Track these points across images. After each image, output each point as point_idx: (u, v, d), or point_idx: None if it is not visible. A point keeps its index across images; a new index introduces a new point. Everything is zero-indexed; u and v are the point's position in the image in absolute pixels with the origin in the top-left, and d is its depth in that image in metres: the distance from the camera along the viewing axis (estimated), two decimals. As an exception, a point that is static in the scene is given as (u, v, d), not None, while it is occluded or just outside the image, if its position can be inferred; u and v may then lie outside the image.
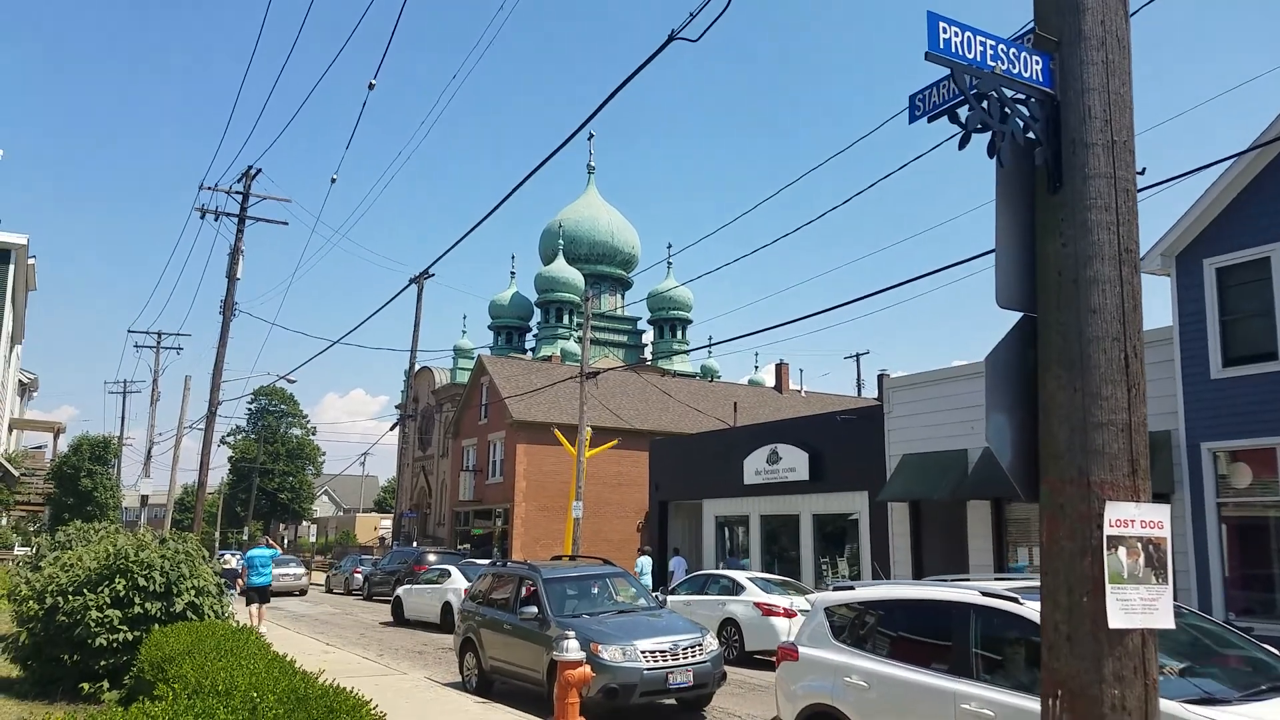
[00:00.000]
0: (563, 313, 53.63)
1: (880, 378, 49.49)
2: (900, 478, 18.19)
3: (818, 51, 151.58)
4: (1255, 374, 12.53)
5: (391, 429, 47.90)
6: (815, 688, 6.47)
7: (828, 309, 29.38)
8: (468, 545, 40.19)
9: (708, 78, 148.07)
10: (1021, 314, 3.60)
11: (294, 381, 41.40)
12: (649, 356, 55.63)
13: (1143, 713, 3.18)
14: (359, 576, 33.51)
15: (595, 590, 11.41)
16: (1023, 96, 3.52)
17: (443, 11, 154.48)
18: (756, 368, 59.63)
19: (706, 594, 15.74)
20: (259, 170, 24.90)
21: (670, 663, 9.54)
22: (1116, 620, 3.17)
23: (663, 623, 10.40)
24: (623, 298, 58.56)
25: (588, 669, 7.89)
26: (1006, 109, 3.44)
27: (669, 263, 54.50)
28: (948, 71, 3.86)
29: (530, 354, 53.53)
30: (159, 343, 41.67)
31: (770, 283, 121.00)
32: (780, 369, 47.85)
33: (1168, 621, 3.25)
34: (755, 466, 22.71)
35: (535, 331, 55.47)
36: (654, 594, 12.28)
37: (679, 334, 57.21)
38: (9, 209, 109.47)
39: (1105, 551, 3.20)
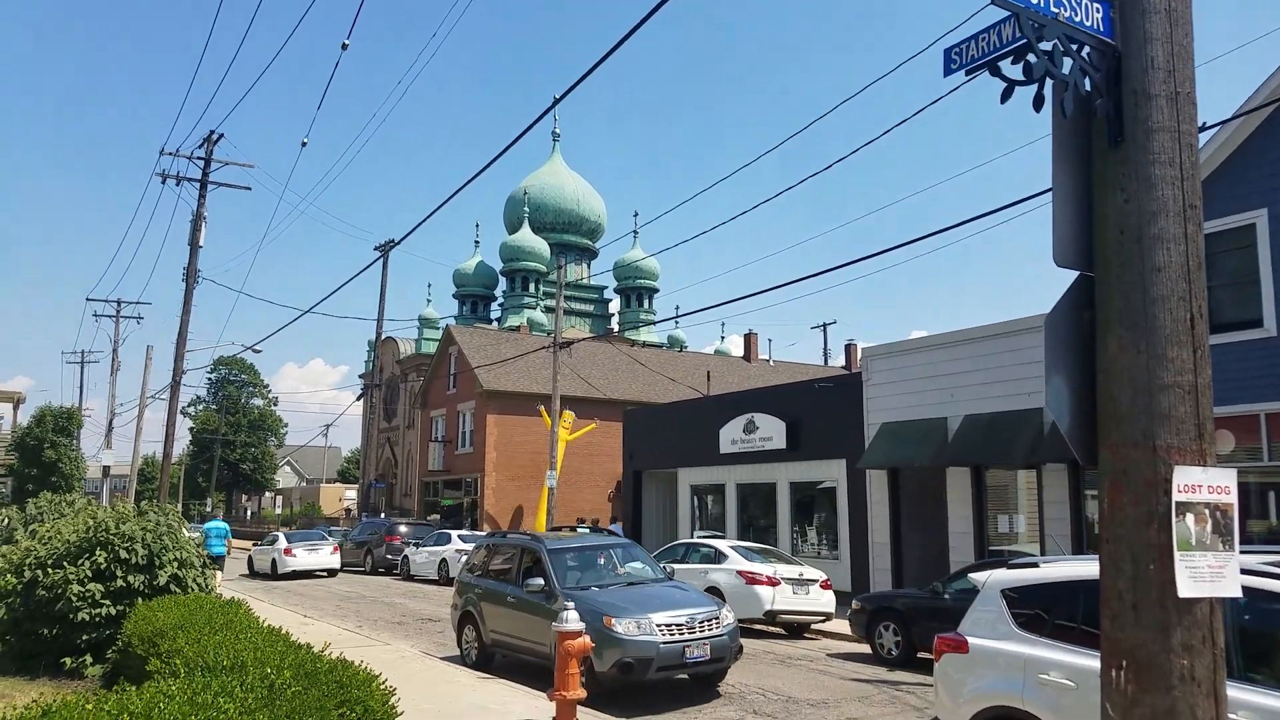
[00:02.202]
0: (528, 282, 53.08)
1: (848, 347, 49.95)
2: (879, 445, 18.27)
3: (792, 18, 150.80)
4: (1239, 341, 12.66)
5: (357, 399, 47.22)
6: (997, 687, 5.54)
7: (796, 280, 29.22)
8: (437, 515, 39.97)
9: (676, 45, 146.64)
10: (1078, 273, 3.47)
11: (259, 351, 40.62)
12: (616, 326, 55.42)
13: (1211, 683, 3.11)
14: (328, 548, 33.10)
15: (602, 561, 11.06)
16: (1082, 46, 3.37)
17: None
18: (723, 338, 59.76)
19: (688, 562, 15.71)
20: (221, 135, 24.25)
21: (687, 636, 9.24)
22: (1186, 589, 3.08)
23: (677, 595, 10.11)
24: (589, 267, 58.14)
25: (587, 639, 7.76)
26: (1069, 58, 3.28)
27: (635, 232, 54.19)
28: (988, 24, 3.72)
29: (496, 324, 53.01)
30: (119, 311, 40.56)
31: (737, 253, 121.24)
32: (749, 339, 47.93)
33: (1235, 590, 3.17)
34: (732, 435, 22.70)
35: (501, 301, 54.92)
36: (662, 565, 11.95)
37: (645, 304, 57.01)
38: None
39: (1174, 518, 3.11)
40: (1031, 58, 3.49)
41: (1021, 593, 5.70)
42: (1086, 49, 3.34)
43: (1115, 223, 3.29)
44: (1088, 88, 3.36)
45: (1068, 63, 3.29)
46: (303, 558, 26.70)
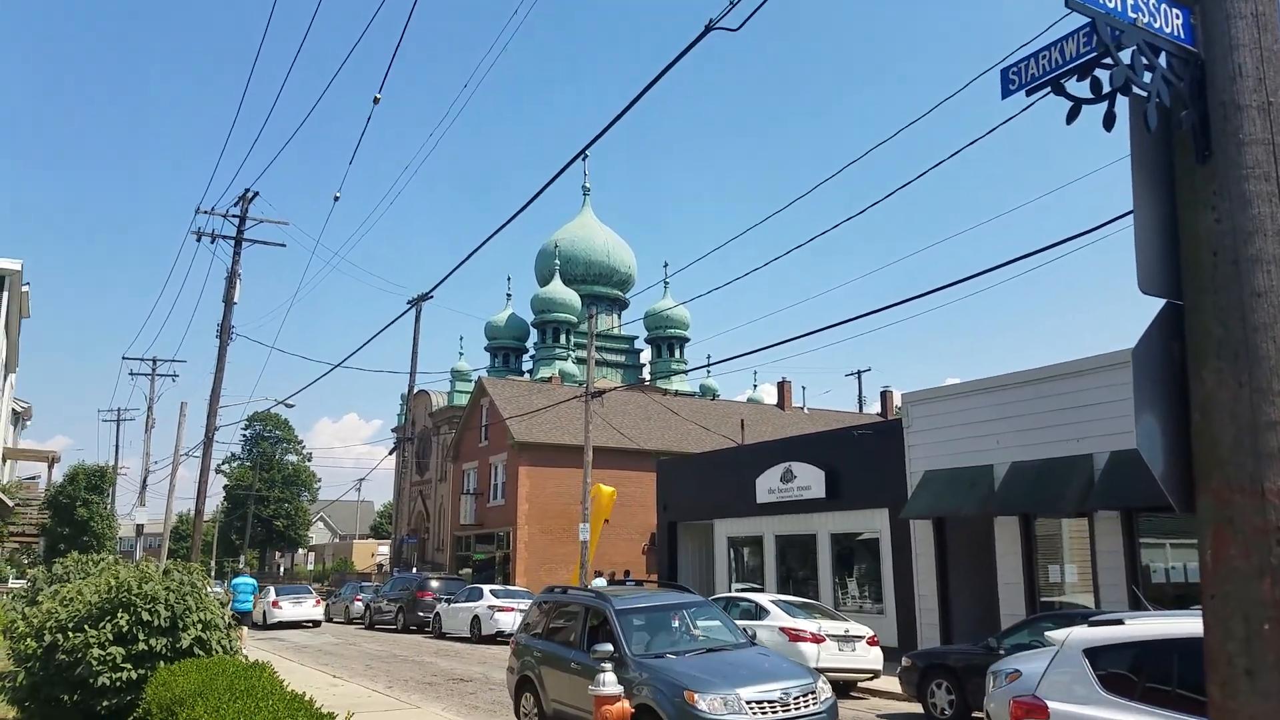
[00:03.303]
0: (560, 333, 53.25)
1: (884, 394, 49.31)
2: (924, 494, 17.72)
3: (818, 66, 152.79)
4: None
5: (390, 453, 47.28)
6: None
7: (829, 326, 29.14)
8: (469, 570, 39.56)
9: (703, 96, 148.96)
10: (1165, 302, 3.18)
11: (292, 406, 40.98)
12: (647, 376, 55.26)
13: (1343, 758, 2.73)
14: (359, 604, 32.93)
15: (676, 623, 10.00)
16: (1160, 54, 3.12)
17: (444, 30, 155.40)
18: (755, 386, 59.28)
19: (727, 618, 15.19)
20: (256, 193, 24.66)
21: (781, 714, 8.18)
22: (1308, 652, 2.73)
23: (765, 664, 9.04)
24: (619, 317, 58.28)
25: (626, 704, 7.35)
26: (1149, 70, 3.04)
27: (665, 282, 54.25)
28: (1047, 43, 3.51)
29: (528, 375, 53.09)
30: (154, 369, 41.17)
31: (767, 301, 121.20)
32: (782, 386, 47.48)
33: (1365, 652, 2.80)
34: (769, 485, 22.22)
35: (532, 353, 55.11)
36: (742, 628, 10.86)
37: (677, 353, 56.87)
38: (2, 235, 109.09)
39: (1291, 571, 2.77)
40: (1099, 72, 3.28)
41: (1106, 652, 5.28)
42: (1166, 58, 3.09)
43: (1207, 244, 3.01)
44: (1167, 101, 3.11)
45: (1147, 75, 3.05)
46: (288, 610, 29.46)
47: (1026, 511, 16.19)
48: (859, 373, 49.50)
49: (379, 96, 13.88)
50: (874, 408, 49.39)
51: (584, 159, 58.69)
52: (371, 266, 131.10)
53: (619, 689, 7.34)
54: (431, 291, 29.05)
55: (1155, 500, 14.19)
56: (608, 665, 7.65)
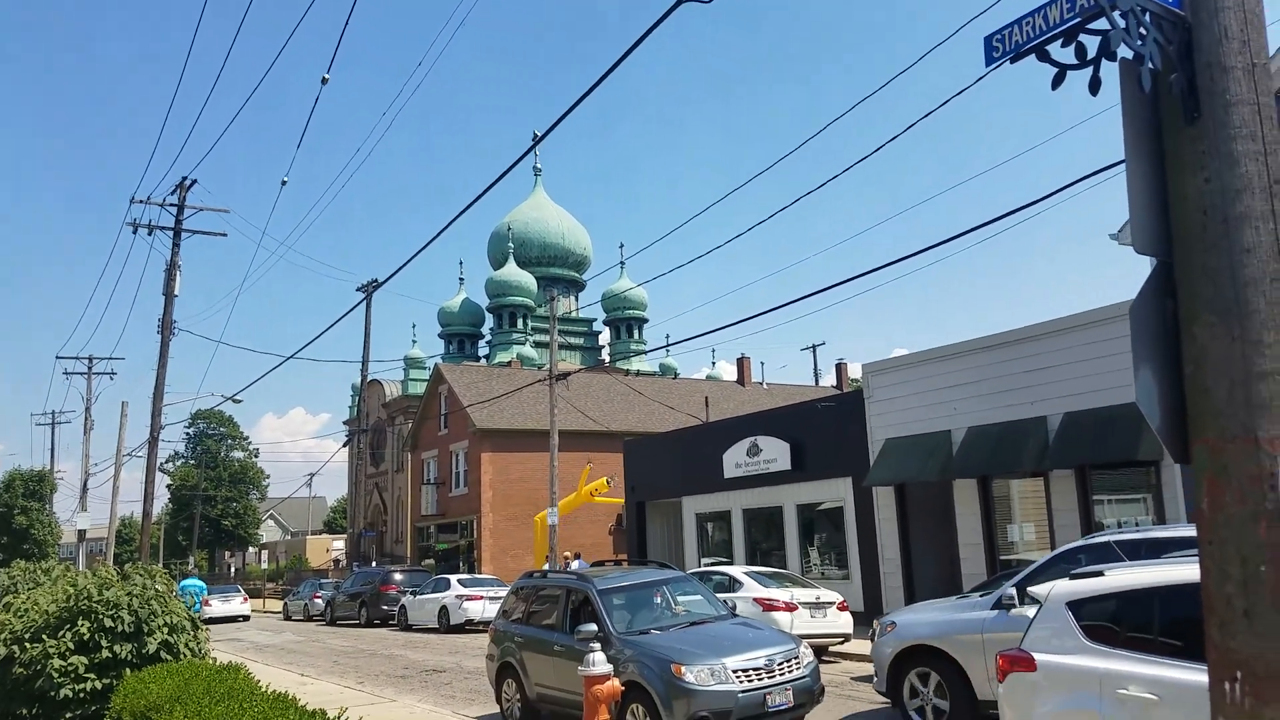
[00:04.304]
0: (516, 317, 52.86)
1: (839, 366, 49.86)
2: (885, 462, 18.07)
3: (780, 44, 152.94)
4: None
5: (343, 446, 46.66)
6: (1071, 705, 5.25)
7: (787, 303, 29.35)
8: (432, 561, 39.28)
9: (657, 73, 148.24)
10: (1158, 262, 3.28)
11: (240, 402, 40.07)
12: (607, 358, 55.23)
13: (1337, 691, 2.87)
14: (319, 601, 32.59)
15: (658, 600, 10.08)
16: (1147, 15, 3.20)
17: (396, 4, 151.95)
18: (714, 363, 59.64)
19: (700, 592, 15.35)
20: (194, 181, 23.99)
21: (766, 682, 8.30)
22: (1303, 590, 2.86)
23: (749, 634, 9.14)
24: (577, 299, 58.07)
25: (616, 682, 7.41)
26: (1143, 29, 3.11)
27: (622, 263, 54.15)
28: (1031, 9, 3.57)
29: (484, 361, 52.67)
30: (90, 369, 39.90)
31: (724, 279, 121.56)
32: (742, 363, 47.87)
33: (1353, 588, 2.94)
34: (735, 460, 22.44)
35: (488, 338, 54.63)
36: (721, 600, 10.95)
37: (636, 334, 56.90)
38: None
39: (1285, 514, 2.89)
40: (1085, 38, 3.36)
41: (1089, 603, 5.42)
42: (1155, 20, 3.17)
43: (1197, 204, 3.11)
44: (1158, 64, 3.20)
45: (1139, 39, 3.13)
46: (218, 606, 33.21)
47: (984, 474, 16.60)
48: (814, 347, 50.23)
49: (327, 77, 13.56)
50: (829, 380, 50.12)
51: (534, 139, 58.11)
52: (320, 255, 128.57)
53: (608, 668, 7.39)
54: (384, 281, 28.62)
55: (1106, 458, 14.77)
56: (595, 645, 7.68)
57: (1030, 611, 8.12)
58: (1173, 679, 4.87)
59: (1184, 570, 5.13)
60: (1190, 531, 8.37)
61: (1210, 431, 3.06)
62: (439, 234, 12.66)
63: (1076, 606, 5.46)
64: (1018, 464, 15.71)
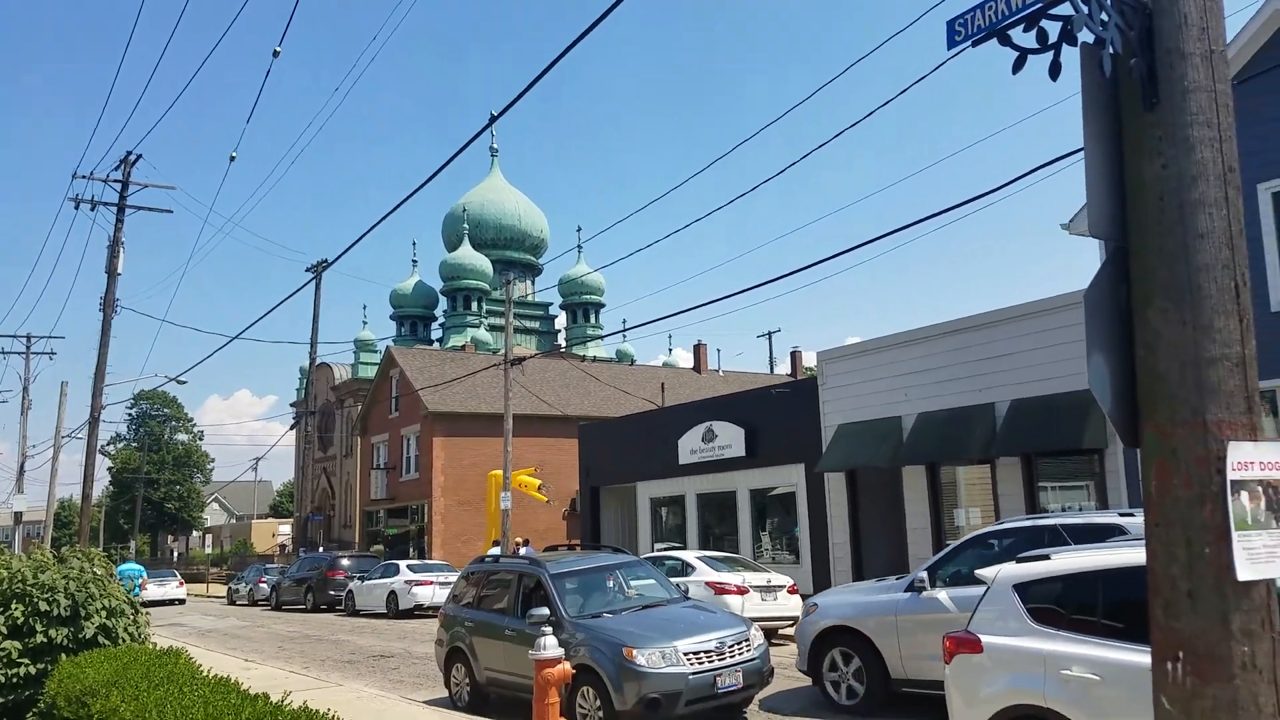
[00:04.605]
0: (471, 300, 52.26)
1: (794, 354, 50.26)
2: (837, 448, 18.27)
3: (735, 31, 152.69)
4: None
5: (290, 429, 45.85)
6: (1015, 685, 5.29)
7: (742, 290, 29.49)
8: (381, 546, 38.83)
9: (616, 57, 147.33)
10: (1114, 246, 3.31)
11: (184, 383, 39.00)
12: (563, 343, 54.98)
13: (1272, 669, 2.94)
14: (264, 586, 32.16)
15: (610, 583, 10.06)
16: (1111, 2, 3.22)
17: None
18: (670, 350, 59.77)
19: (653, 577, 15.39)
20: (139, 156, 23.35)
21: (717, 664, 8.32)
22: (1244, 571, 2.91)
23: (700, 617, 9.17)
24: (533, 283, 57.62)
25: (567, 666, 7.37)
26: (1105, 14, 3.12)
27: (579, 247, 53.83)
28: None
29: (437, 344, 52.04)
30: (29, 347, 38.56)
31: (681, 265, 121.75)
32: (698, 349, 48.02)
33: (1290, 570, 3.01)
34: (691, 445, 22.53)
35: (442, 321, 53.93)
36: (674, 583, 10.97)
37: (592, 319, 56.67)
38: None
39: (1229, 497, 2.94)
40: (1046, 24, 3.37)
41: (1035, 586, 5.49)
42: (1117, 5, 3.18)
43: (1153, 189, 3.13)
44: (1119, 49, 3.21)
45: (1101, 23, 3.14)
46: (154, 590, 34.28)
47: (933, 460, 16.89)
48: (770, 334, 50.54)
49: (279, 50, 13.20)
50: (784, 367, 50.54)
51: (491, 118, 57.32)
52: (269, 234, 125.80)
53: (559, 651, 7.34)
54: (333, 261, 28.06)
55: (1051, 445, 15.10)
56: (547, 629, 7.63)
57: (941, 595, 8.54)
58: (1115, 660, 4.96)
59: (1128, 554, 5.25)
60: (1105, 519, 8.58)
61: (1161, 415, 3.09)
62: (391, 211, 12.45)
63: (1023, 589, 5.53)
64: (966, 451, 16.00)
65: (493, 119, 11.85)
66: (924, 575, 8.79)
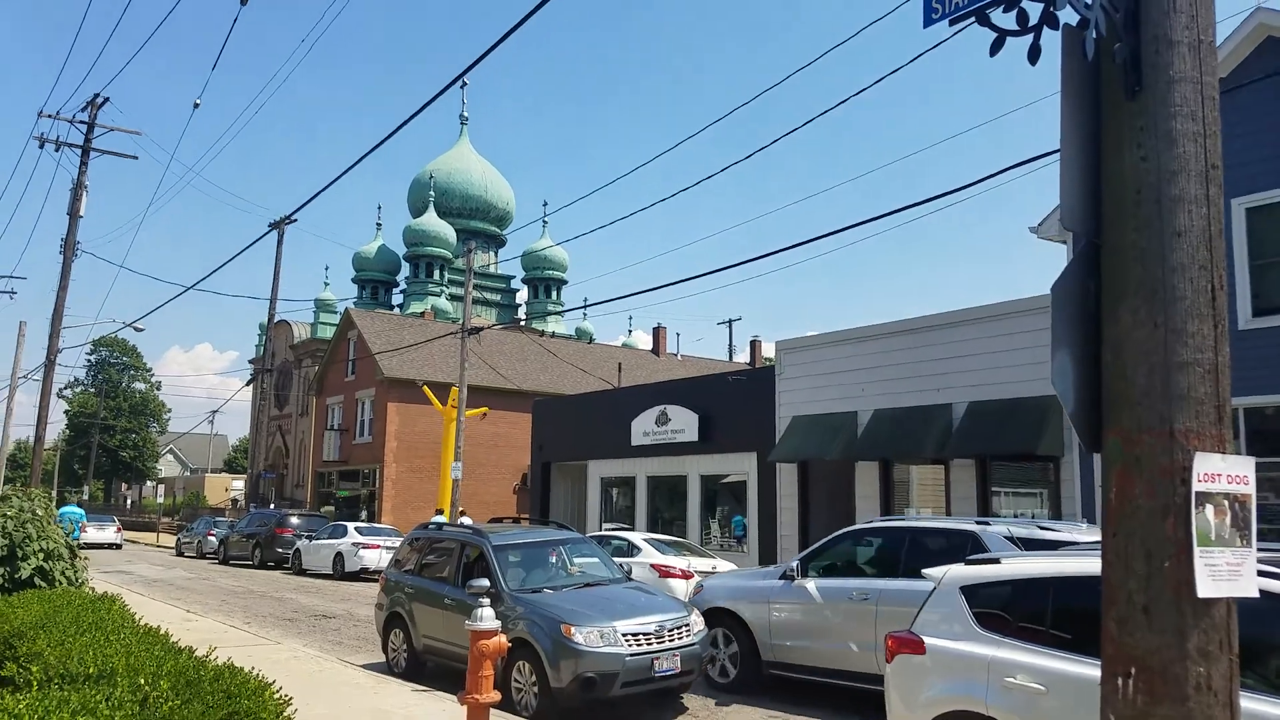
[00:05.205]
0: (433, 268, 51.53)
1: (753, 343, 50.41)
2: (790, 439, 18.22)
3: (712, 10, 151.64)
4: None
5: (246, 385, 44.98)
6: (957, 690, 5.13)
7: (705, 273, 29.29)
8: (331, 507, 38.37)
9: (590, 28, 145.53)
10: (1085, 241, 3.14)
11: (141, 330, 37.89)
12: (523, 316, 54.49)
13: (1228, 692, 2.81)
14: (213, 539, 31.77)
15: (553, 559, 9.89)
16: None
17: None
18: (630, 331, 59.53)
19: (599, 557, 15.24)
20: (106, 99, 22.79)
21: (655, 647, 8.16)
22: (1205, 589, 2.77)
23: (641, 598, 8.98)
24: (496, 255, 56.98)
25: (503, 638, 7.15)
26: (1090, -3, 2.93)
27: (544, 221, 53.31)
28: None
29: (398, 310, 51.26)
30: (-11, 286, 37.36)
31: (645, 246, 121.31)
32: (658, 332, 47.87)
33: (1252, 589, 2.88)
34: (644, 428, 22.37)
35: (403, 287, 53.15)
36: (618, 564, 10.88)
37: (554, 294, 56.20)
38: None
39: (1193, 510, 2.80)
40: (1027, 4, 3.22)
41: (983, 589, 5.30)
42: (1104, -14, 3.00)
43: (1131, 182, 2.96)
44: (1104, 31, 3.02)
45: (1086, 4, 2.95)
46: (93, 534, 35.77)
47: (887, 457, 16.89)
48: (730, 321, 50.61)
49: (243, -4, 12.65)
50: (743, 356, 50.58)
51: (462, 86, 56.23)
52: (233, 187, 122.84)
53: (496, 624, 7.11)
54: (294, 214, 27.27)
55: (1007, 449, 15.12)
56: (485, 600, 7.40)
57: (809, 584, 8.78)
58: (1061, 671, 4.79)
59: (1080, 563, 5.09)
60: (959, 524, 8.43)
61: (1126, 421, 2.93)
62: (355, 164, 12.10)
63: (970, 592, 5.36)
64: (920, 450, 16.00)
65: (461, 74, 11.47)
66: (795, 564, 9.07)
